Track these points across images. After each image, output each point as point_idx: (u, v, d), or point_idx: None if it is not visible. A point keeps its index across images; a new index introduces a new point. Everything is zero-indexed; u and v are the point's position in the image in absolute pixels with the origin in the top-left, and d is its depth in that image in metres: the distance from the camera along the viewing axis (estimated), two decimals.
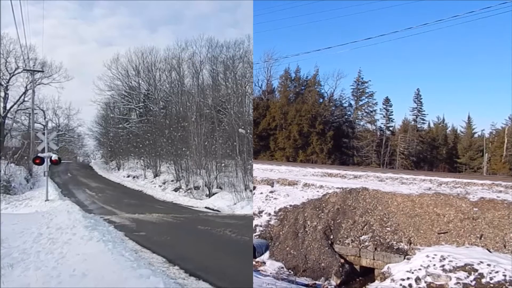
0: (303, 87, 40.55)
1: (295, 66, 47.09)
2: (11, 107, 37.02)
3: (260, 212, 14.77)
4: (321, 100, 39.54)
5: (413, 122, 42.98)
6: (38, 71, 34.71)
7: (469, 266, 10.16)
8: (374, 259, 12.19)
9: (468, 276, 9.94)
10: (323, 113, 37.11)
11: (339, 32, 58.47)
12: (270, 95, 41.42)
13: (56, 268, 6.63)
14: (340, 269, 12.01)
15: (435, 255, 10.86)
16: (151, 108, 40.20)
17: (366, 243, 12.49)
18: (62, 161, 24.90)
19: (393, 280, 10.50)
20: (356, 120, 40.98)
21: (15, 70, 36.70)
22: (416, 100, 42.65)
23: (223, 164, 25.25)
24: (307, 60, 77.91)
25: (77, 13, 79.86)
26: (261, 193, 15.99)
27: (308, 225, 13.66)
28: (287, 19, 61.22)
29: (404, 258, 11.57)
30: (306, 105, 36.88)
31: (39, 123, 41.66)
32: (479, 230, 11.64)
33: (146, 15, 69.86)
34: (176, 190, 26.10)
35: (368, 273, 12.31)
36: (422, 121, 43.90)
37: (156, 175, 31.19)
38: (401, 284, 10.19)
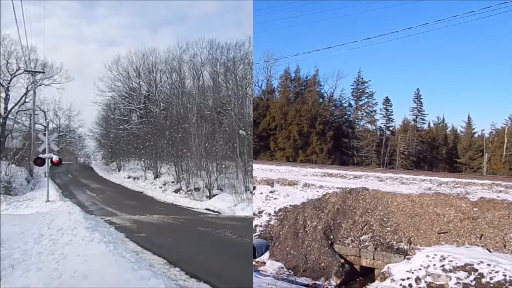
0: (303, 87, 40.61)
1: (295, 66, 47.24)
2: (12, 108, 37.10)
3: (260, 212, 14.80)
4: (321, 100, 39.61)
5: (413, 122, 43.04)
6: (39, 72, 34.80)
7: (469, 266, 10.18)
8: (374, 259, 12.21)
9: (468, 276, 9.96)
10: (323, 113, 37.15)
11: (339, 32, 58.56)
12: (270, 95, 41.48)
13: (57, 269, 6.65)
14: (340, 269, 12.03)
15: (435, 255, 10.88)
16: (152, 110, 40.21)
17: (366, 243, 12.51)
18: (62, 162, 24.93)
19: (393, 280, 10.52)
20: (356, 120, 41.03)
21: (16, 71, 36.77)
22: (416, 100, 42.72)
23: (223, 166, 25.26)
24: (307, 60, 78.09)
25: (79, 13, 79.69)
26: (261, 193, 16.02)
27: (308, 225, 13.68)
28: (286, 19, 61.31)
29: (404, 258, 11.59)
30: (306, 105, 36.94)
31: (40, 124, 41.74)
32: (479, 230, 11.66)
33: (148, 15, 69.84)
34: (176, 191, 26.11)
35: (368, 273, 12.33)
36: (422, 121, 43.98)
37: (156, 176, 31.20)
38: (401, 284, 10.22)
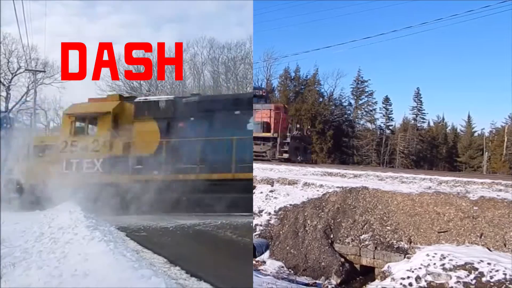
0: (302, 87, 40.69)
1: (294, 65, 47.31)
2: (13, 107, 37.19)
3: (260, 211, 14.79)
4: (320, 100, 39.66)
5: (413, 121, 43.17)
6: (40, 71, 34.91)
7: (469, 265, 10.19)
8: (374, 258, 12.22)
9: (468, 275, 9.97)
10: (322, 112, 37.23)
11: (338, 31, 58.64)
12: (270, 95, 41.49)
13: (58, 267, 6.65)
14: (340, 268, 12.04)
15: (435, 254, 10.89)
16: None
17: (366, 242, 12.52)
18: None
19: (393, 279, 10.53)
20: (356, 119, 41.16)
21: (17, 70, 36.99)
22: (416, 99, 42.92)
23: None
24: (306, 59, 78.45)
25: (79, 11, 79.47)
26: (261, 192, 16.01)
27: (308, 224, 13.69)
28: (286, 19, 61.39)
29: (404, 257, 11.61)
30: (306, 104, 37.02)
31: (41, 123, 41.74)
32: (479, 229, 11.67)
33: (149, 14, 69.64)
34: None
35: (368, 272, 12.35)
36: (422, 120, 44.19)
37: None
38: (401, 283, 10.22)
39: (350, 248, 12.67)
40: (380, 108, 41.22)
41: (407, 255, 11.63)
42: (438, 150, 44.38)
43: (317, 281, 11.75)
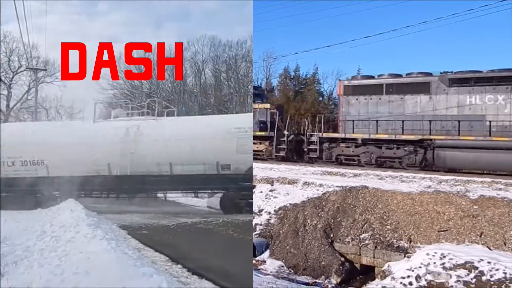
0: (302, 86, 40.63)
1: (294, 64, 47.41)
2: (14, 106, 37.20)
3: (260, 211, 14.82)
4: (320, 99, 39.63)
5: None
6: (41, 70, 34.92)
7: (470, 264, 10.22)
8: (374, 258, 12.25)
9: (468, 274, 10.00)
10: (322, 111, 37.17)
11: (338, 30, 58.58)
12: (270, 94, 41.50)
13: (59, 266, 6.71)
14: (340, 267, 12.07)
15: (435, 253, 10.92)
16: (153, 108, 40.28)
17: (366, 242, 12.55)
18: None
19: (393, 278, 10.55)
20: None
21: (18, 68, 36.93)
22: None
23: None
24: (306, 58, 78.09)
25: (80, 9, 79.39)
26: (261, 192, 16.03)
27: (308, 223, 13.72)
28: (286, 18, 61.33)
29: (404, 256, 11.64)
30: (306, 103, 36.94)
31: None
32: (479, 228, 11.70)
33: (151, 12, 69.49)
34: None
35: (369, 272, 12.38)
36: None
37: None
38: (401, 282, 10.25)
39: (350, 247, 12.70)
40: None
41: (407, 254, 11.67)
42: None
43: (317, 281, 11.78)
